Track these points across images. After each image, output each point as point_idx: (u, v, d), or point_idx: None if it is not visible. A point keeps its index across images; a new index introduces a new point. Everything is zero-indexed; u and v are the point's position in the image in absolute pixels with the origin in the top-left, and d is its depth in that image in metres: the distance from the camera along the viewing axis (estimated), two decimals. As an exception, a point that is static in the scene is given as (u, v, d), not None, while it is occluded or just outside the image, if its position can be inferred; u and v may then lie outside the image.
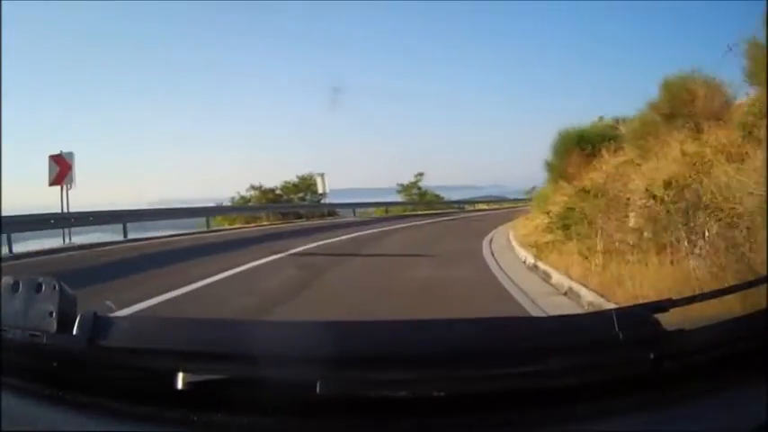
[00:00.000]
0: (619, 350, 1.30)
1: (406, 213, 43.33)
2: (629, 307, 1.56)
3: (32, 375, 1.41)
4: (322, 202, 39.88)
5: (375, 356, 1.34)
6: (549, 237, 12.22)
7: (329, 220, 33.75)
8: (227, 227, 29.59)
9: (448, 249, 15.11)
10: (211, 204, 34.17)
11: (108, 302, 4.59)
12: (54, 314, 1.41)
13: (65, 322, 1.40)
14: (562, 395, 1.27)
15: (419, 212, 44.32)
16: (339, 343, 1.38)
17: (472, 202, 65.04)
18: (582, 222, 10.76)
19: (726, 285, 1.73)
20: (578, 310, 6.77)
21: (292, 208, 38.11)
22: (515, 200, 68.35)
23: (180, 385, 1.27)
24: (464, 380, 1.30)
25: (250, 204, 37.48)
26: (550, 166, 20.15)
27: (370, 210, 43.91)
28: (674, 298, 1.45)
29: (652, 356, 1.25)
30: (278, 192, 40.94)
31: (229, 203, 37.29)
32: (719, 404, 1.26)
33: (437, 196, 58.45)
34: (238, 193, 39.24)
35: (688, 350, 1.34)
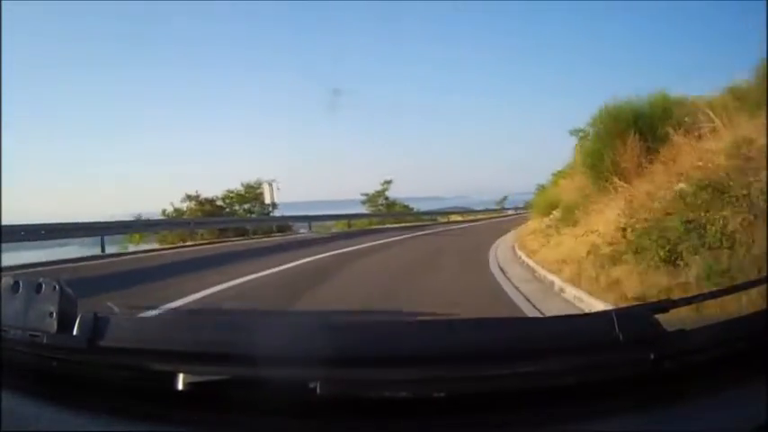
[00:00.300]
0: (619, 350, 1.30)
1: (373, 227, 36.89)
2: (629, 307, 1.56)
3: (33, 375, 1.42)
4: (272, 214, 33.92)
5: (375, 357, 1.34)
6: (634, 266, 7.10)
7: (278, 238, 27.30)
8: (139, 248, 23.01)
9: (458, 296, 8.51)
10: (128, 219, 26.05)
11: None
12: (54, 314, 1.41)
13: (65, 323, 1.40)
14: (562, 395, 1.27)
15: (388, 225, 38.31)
16: (339, 343, 1.38)
17: (444, 213, 59.81)
18: (722, 244, 6.22)
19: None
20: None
21: (231, 222, 31.09)
22: (486, 210, 67.73)
23: (180, 386, 1.28)
24: (464, 380, 1.30)
25: (181, 218, 30.06)
26: (593, 156, 13.24)
27: (330, 223, 37.55)
28: (674, 298, 1.45)
29: (652, 357, 1.26)
30: (219, 203, 34.18)
31: (163, 218, 30.49)
32: (719, 404, 1.26)
33: (406, 207, 52.61)
34: (172, 204, 32.05)
35: (688, 350, 1.34)
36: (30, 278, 1.47)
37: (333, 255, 15.54)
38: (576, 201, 14.17)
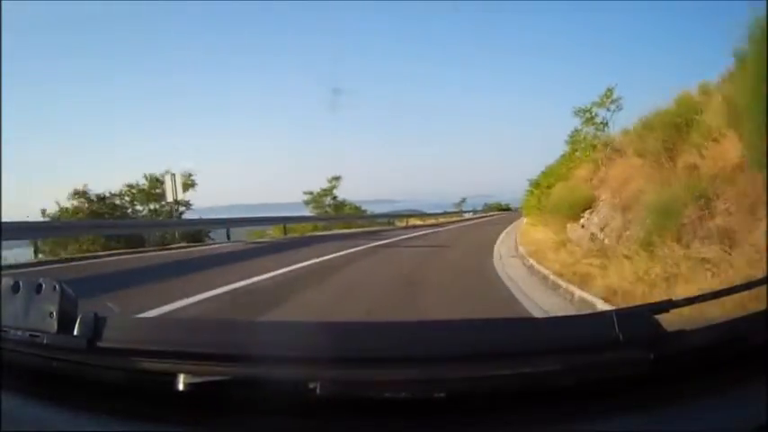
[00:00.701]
0: (619, 351, 1.30)
1: (316, 233, 30.37)
2: (629, 308, 1.56)
3: (33, 376, 1.42)
4: (184, 217, 27.30)
5: (375, 357, 1.34)
6: None
7: (176, 251, 18.77)
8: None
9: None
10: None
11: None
12: (54, 315, 1.40)
13: (65, 323, 1.40)
14: (562, 395, 1.28)
15: (336, 231, 31.72)
16: (339, 343, 1.38)
17: (401, 215, 52.53)
18: None
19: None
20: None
21: (113, 228, 22.14)
22: (445, 213, 64.61)
23: (180, 386, 1.27)
24: (464, 380, 1.30)
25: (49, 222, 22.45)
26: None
27: (268, 229, 29.83)
28: (674, 298, 1.45)
29: (652, 357, 1.26)
30: (117, 201, 27.46)
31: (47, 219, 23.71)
32: (719, 404, 1.26)
33: (358, 209, 45.84)
34: (57, 203, 25.28)
35: (688, 351, 1.34)
36: (30, 278, 1.47)
37: (237, 289, 8.92)
38: (682, 195, 7.65)
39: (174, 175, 24.28)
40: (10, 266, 14.01)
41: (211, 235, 27.13)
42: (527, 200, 27.03)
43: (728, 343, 1.38)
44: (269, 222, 29.99)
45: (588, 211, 12.27)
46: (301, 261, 12.77)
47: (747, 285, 1.69)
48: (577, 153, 19.75)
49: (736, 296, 1.63)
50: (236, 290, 8.81)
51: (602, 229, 10.62)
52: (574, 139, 21.08)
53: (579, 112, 19.98)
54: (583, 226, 12.04)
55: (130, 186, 28.39)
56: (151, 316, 6.28)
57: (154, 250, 19.27)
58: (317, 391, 1.22)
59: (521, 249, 13.66)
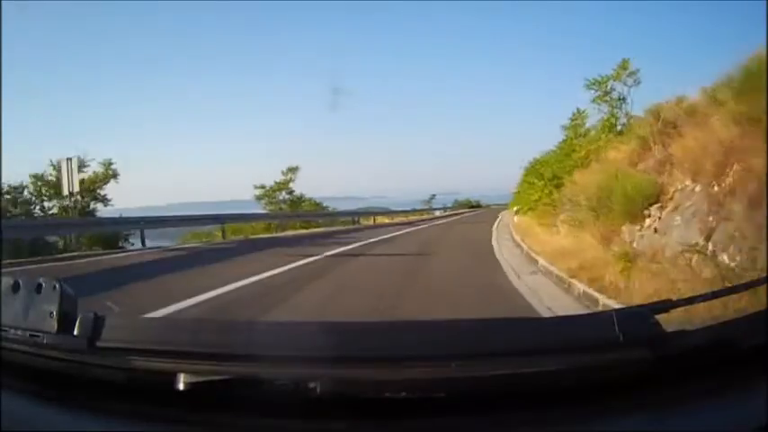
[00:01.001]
0: (619, 350, 1.30)
1: (265, 235, 25.49)
2: (630, 307, 1.57)
3: (33, 376, 1.42)
4: (97, 215, 22.60)
5: (375, 357, 1.34)
6: None
7: (47, 265, 13.19)
8: None
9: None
10: None
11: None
12: (54, 314, 1.40)
13: (65, 323, 1.40)
14: (562, 395, 1.28)
15: (289, 233, 27.21)
16: (339, 343, 1.38)
17: (367, 213, 46.65)
18: None
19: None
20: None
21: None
22: (414, 211, 60.89)
23: (180, 386, 1.27)
24: (464, 380, 1.30)
25: None
26: None
27: (208, 229, 24.72)
28: (674, 299, 1.45)
29: (652, 357, 1.26)
30: (24, 196, 22.34)
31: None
32: (719, 404, 1.26)
33: (318, 205, 40.34)
34: None
35: (688, 351, 1.34)
36: (30, 278, 1.47)
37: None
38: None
39: (70, 160, 18.76)
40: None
41: (132, 239, 21.75)
42: (527, 193, 22.50)
43: (729, 343, 1.37)
44: (194, 222, 23.95)
45: (656, 207, 8.29)
46: (206, 290, 8.02)
47: (747, 285, 1.70)
48: (575, 140, 17.94)
49: (736, 296, 1.64)
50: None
51: (707, 238, 6.48)
52: (575, 123, 18.88)
53: (593, 84, 16.91)
54: (656, 230, 7.96)
55: (36, 177, 22.79)
56: (151, 316, 5.99)
57: (24, 263, 13.27)
58: (318, 391, 1.22)
59: (542, 262, 9.84)
